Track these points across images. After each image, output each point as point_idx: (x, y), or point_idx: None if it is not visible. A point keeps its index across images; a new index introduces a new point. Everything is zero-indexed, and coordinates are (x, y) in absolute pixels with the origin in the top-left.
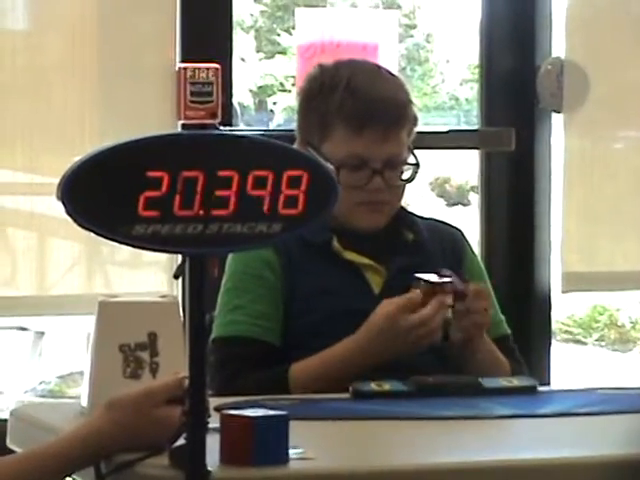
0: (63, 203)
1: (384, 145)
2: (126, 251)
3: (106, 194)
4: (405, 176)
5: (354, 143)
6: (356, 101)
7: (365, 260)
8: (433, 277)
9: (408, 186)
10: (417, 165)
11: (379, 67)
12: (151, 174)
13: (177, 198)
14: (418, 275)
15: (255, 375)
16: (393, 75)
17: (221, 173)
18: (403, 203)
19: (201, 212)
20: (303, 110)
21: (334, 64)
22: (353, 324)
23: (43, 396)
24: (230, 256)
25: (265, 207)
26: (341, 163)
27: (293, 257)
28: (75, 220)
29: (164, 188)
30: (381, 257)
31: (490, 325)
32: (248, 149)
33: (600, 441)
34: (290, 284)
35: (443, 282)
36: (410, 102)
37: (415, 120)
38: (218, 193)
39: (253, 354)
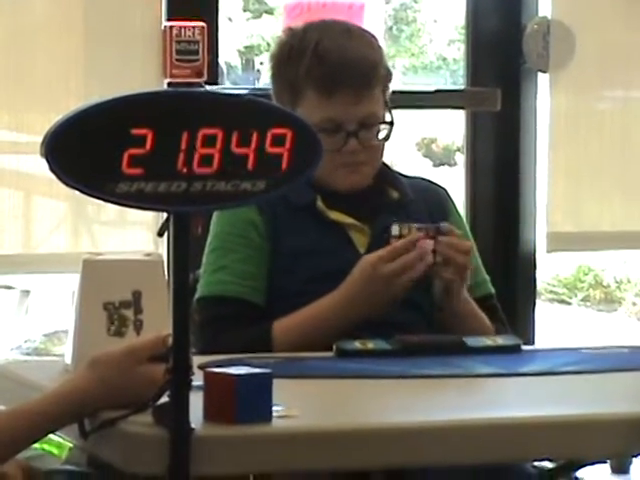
0: (47, 160)
1: (357, 107)
2: (112, 210)
3: (90, 152)
4: (381, 135)
5: (326, 107)
6: (324, 65)
7: (350, 220)
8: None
9: (395, 146)
10: (392, 123)
11: (349, 26)
12: (135, 132)
13: (161, 156)
14: (394, 225)
15: (239, 333)
16: (364, 32)
17: (205, 131)
18: (388, 162)
19: (185, 170)
20: (274, 76)
21: (303, 27)
22: (338, 283)
23: (28, 354)
24: (215, 216)
25: (249, 165)
26: (315, 128)
27: (278, 217)
28: (59, 178)
29: (148, 146)
30: (366, 216)
31: (471, 271)
32: (232, 107)
33: (583, 399)
34: (275, 244)
35: (422, 226)
36: (382, 60)
37: (389, 77)
38: (202, 151)
39: (237, 313)
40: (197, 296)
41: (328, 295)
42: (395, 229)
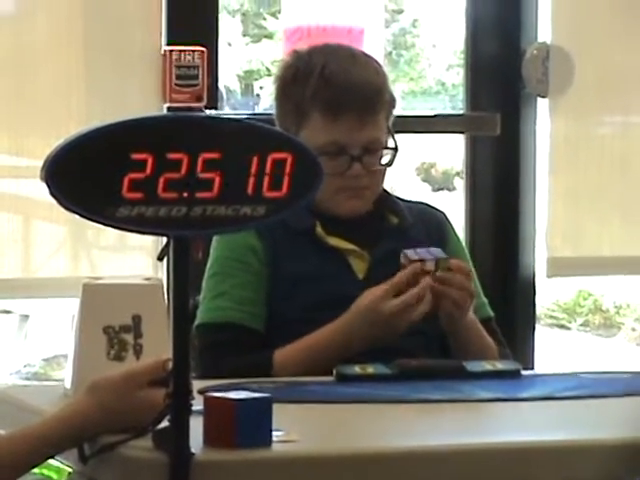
0: (47, 184)
1: (361, 131)
2: (111, 234)
3: (90, 176)
4: (384, 160)
5: (331, 130)
6: (330, 88)
7: (349, 245)
8: (420, 251)
9: (394, 171)
10: (396, 149)
11: (354, 51)
12: (135, 156)
13: (161, 180)
14: (405, 251)
15: (239, 360)
16: (369, 58)
17: (205, 155)
18: (388, 187)
19: (185, 194)
20: (279, 97)
21: (308, 50)
22: (337, 310)
23: (28, 379)
24: (214, 242)
25: (249, 189)
26: (319, 151)
27: (277, 243)
28: (59, 202)
29: (148, 170)
30: (365, 242)
31: (472, 304)
32: (232, 131)
33: (583, 425)
34: (274, 270)
35: (426, 258)
36: (386, 85)
37: (393, 102)
38: (202, 175)
39: (237, 340)
40: (197, 322)
41: (329, 325)
42: (403, 257)
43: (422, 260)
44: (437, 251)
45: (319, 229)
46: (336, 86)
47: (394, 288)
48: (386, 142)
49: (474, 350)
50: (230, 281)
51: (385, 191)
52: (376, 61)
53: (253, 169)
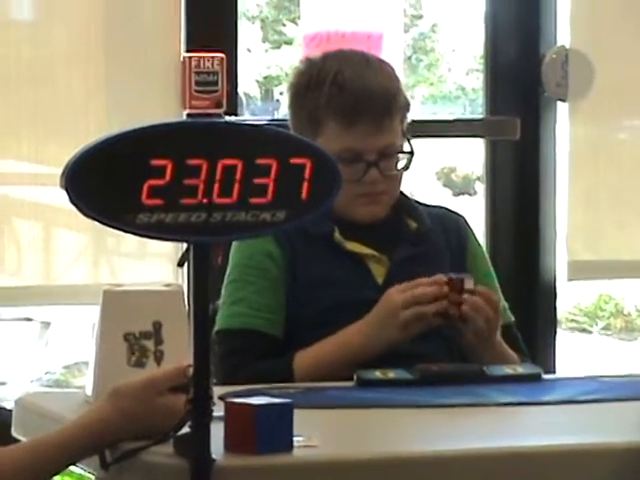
0: (67, 192)
1: (377, 137)
2: (131, 241)
3: (110, 183)
4: (400, 165)
5: (346, 137)
6: (344, 95)
7: (368, 250)
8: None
9: (415, 176)
10: (412, 153)
11: (367, 56)
12: (155, 162)
13: (181, 186)
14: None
15: (258, 366)
16: (382, 63)
17: (225, 161)
18: (407, 192)
19: (205, 200)
20: (293, 106)
21: (321, 57)
22: (356, 314)
23: (49, 386)
24: (233, 248)
25: (269, 195)
26: (335, 158)
27: (295, 249)
28: (79, 209)
29: (168, 176)
30: (384, 247)
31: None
32: (252, 137)
33: (604, 428)
34: (292, 276)
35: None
36: (400, 90)
37: (407, 107)
38: (222, 181)
39: (255, 346)
40: (216, 329)
41: (348, 327)
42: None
43: (461, 279)
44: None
45: (337, 234)
46: (350, 92)
47: (416, 298)
48: (402, 146)
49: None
50: (248, 288)
51: (404, 195)
52: (390, 65)
53: (272, 175)
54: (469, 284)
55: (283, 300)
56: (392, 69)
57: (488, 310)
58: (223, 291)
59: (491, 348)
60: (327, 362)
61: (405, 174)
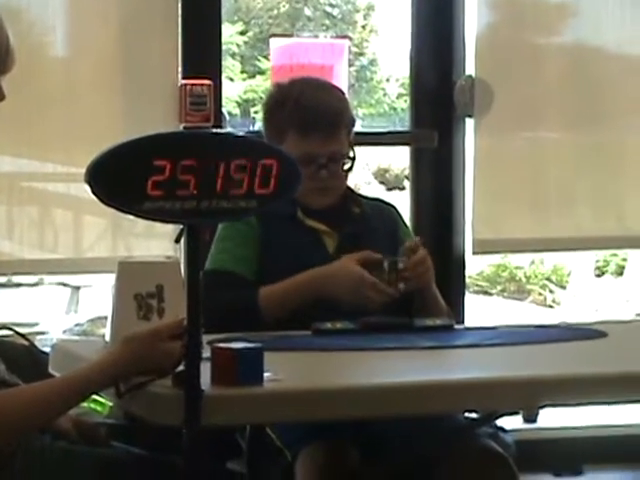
0: (90, 186)
1: (326, 145)
2: (141, 224)
3: (123, 178)
4: (346, 167)
5: (303, 144)
6: (303, 112)
7: (322, 227)
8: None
9: (358, 174)
10: (354, 158)
11: (323, 83)
12: (157, 162)
13: (177, 181)
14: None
15: (232, 294)
16: (333, 87)
17: (211, 162)
18: (352, 186)
19: (196, 192)
20: (265, 120)
21: (288, 82)
22: None
23: (78, 335)
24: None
25: (244, 188)
26: (296, 160)
27: (268, 224)
28: (99, 199)
29: (167, 173)
30: (334, 225)
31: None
32: (232, 144)
33: (500, 365)
34: (264, 242)
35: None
36: (347, 108)
37: (353, 122)
38: (208, 177)
39: (231, 282)
40: (204, 269)
41: (308, 271)
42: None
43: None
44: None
45: (300, 214)
46: (307, 110)
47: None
48: (347, 153)
49: (431, 309)
50: (230, 243)
51: (349, 189)
52: (340, 89)
53: (247, 172)
54: (403, 264)
55: (256, 256)
56: (341, 92)
57: (425, 267)
58: (212, 246)
59: (430, 291)
60: (285, 296)
61: (350, 173)
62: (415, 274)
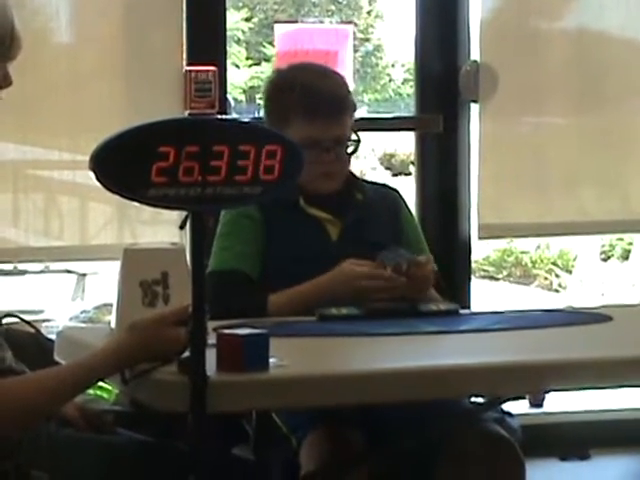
0: (95, 173)
1: (331, 129)
2: (146, 211)
3: (127, 165)
4: (350, 150)
5: (308, 129)
6: (307, 98)
7: (325, 215)
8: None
9: (363, 160)
10: (358, 141)
11: (325, 68)
12: (161, 149)
13: (181, 168)
14: (384, 253)
15: (240, 301)
16: (335, 73)
17: (215, 148)
18: (356, 172)
19: (199, 178)
20: (268, 107)
21: (289, 68)
22: (315, 263)
23: (83, 321)
24: (222, 214)
25: (249, 174)
26: (300, 145)
27: (270, 213)
28: (104, 185)
29: (171, 160)
30: (337, 212)
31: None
32: (236, 130)
33: (506, 350)
34: (268, 233)
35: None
36: (349, 94)
37: (354, 107)
38: (213, 163)
39: (235, 282)
40: (208, 270)
41: (314, 280)
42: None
43: (398, 263)
44: (404, 252)
45: (302, 202)
46: (311, 96)
47: (371, 275)
48: (350, 137)
49: None
50: (233, 240)
51: (353, 175)
52: (341, 75)
53: (252, 158)
54: (404, 265)
55: (259, 250)
56: (342, 78)
57: (424, 280)
58: (214, 242)
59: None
60: (293, 305)
61: (356, 158)
62: (416, 289)
